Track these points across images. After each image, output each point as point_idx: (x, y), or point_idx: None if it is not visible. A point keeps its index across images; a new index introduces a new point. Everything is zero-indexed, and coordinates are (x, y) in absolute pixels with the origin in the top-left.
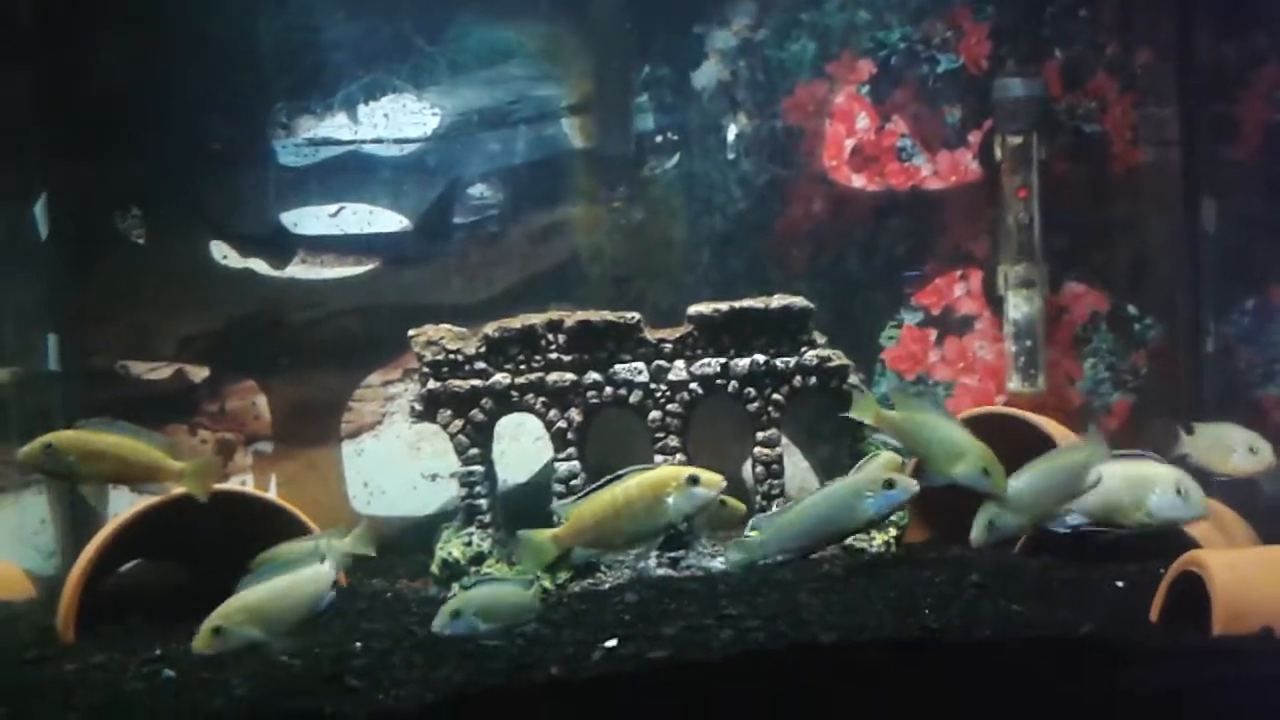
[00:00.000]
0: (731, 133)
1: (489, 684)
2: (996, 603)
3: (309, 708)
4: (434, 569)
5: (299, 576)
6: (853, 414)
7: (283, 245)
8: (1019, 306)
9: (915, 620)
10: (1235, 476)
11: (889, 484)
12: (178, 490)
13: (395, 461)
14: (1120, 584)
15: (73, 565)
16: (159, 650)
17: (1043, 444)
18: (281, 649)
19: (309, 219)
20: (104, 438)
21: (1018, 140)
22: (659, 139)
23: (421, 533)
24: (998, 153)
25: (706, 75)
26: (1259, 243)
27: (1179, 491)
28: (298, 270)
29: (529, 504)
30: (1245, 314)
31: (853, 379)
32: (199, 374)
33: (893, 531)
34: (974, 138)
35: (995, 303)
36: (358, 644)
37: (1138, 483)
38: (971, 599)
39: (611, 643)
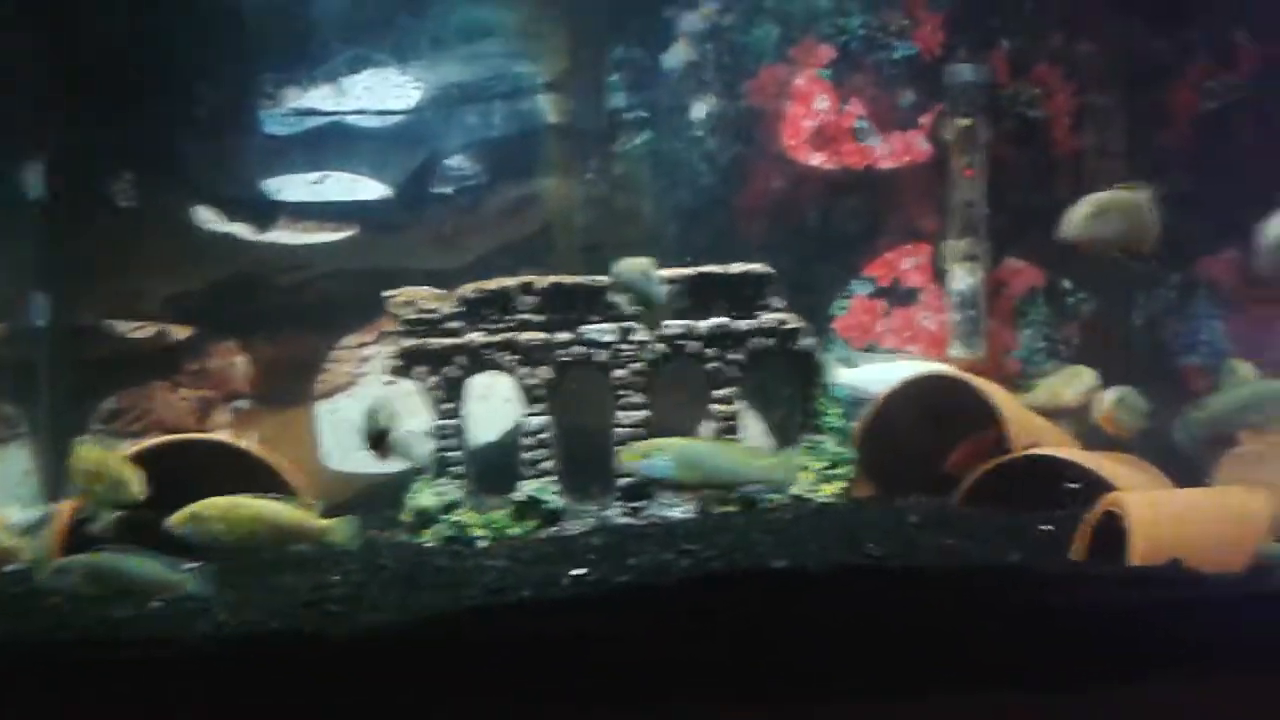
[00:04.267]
0: (698, 112)
1: (463, 606)
2: (933, 538)
3: (291, 628)
4: (405, 517)
5: None
6: None
7: (266, 210)
8: (962, 279)
9: (858, 550)
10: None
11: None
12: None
13: None
14: (1049, 527)
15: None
16: None
17: (979, 403)
18: None
19: (292, 186)
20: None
21: (966, 123)
22: (630, 115)
23: (392, 489)
24: (947, 135)
25: (676, 56)
26: (1185, 223)
27: None
28: (280, 235)
29: (497, 460)
30: (1170, 289)
31: (806, 341)
32: (181, 333)
33: (840, 484)
34: (925, 120)
35: (941, 276)
36: (335, 577)
37: None
38: (910, 535)
39: (579, 571)
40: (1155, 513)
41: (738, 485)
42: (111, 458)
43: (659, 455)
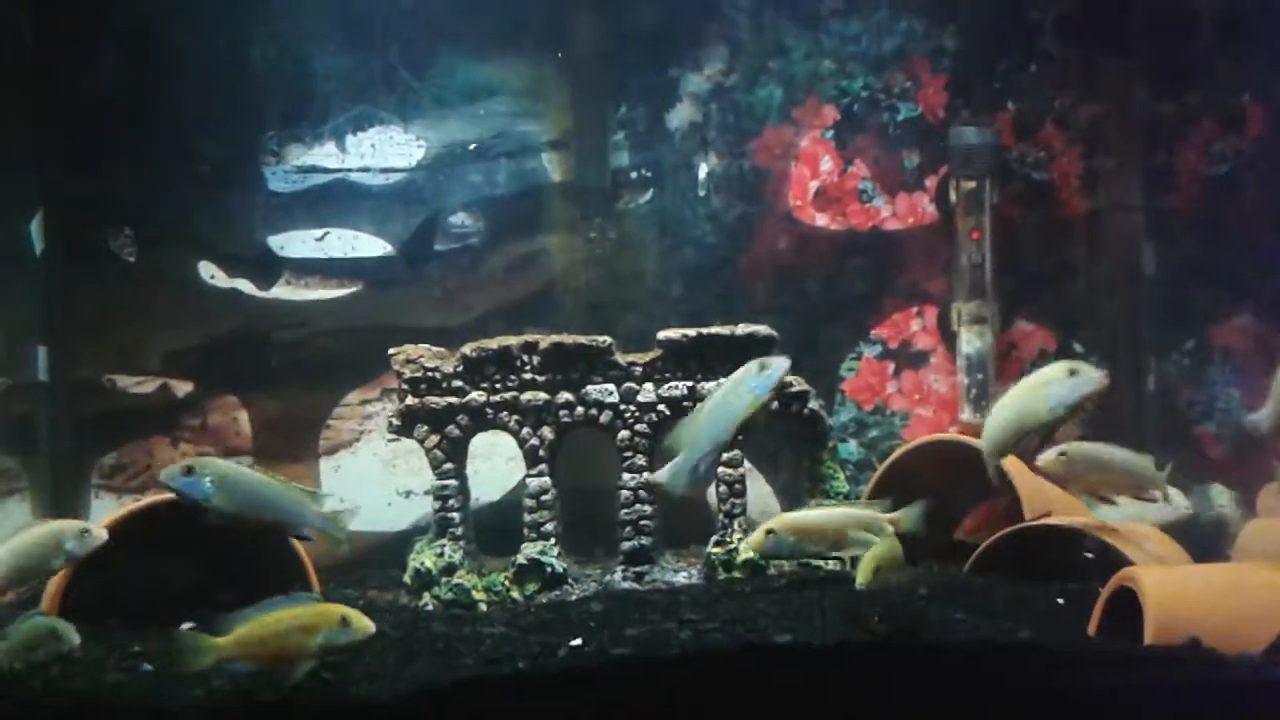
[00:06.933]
0: (703, 171)
1: (457, 678)
2: (941, 611)
3: (282, 697)
4: (406, 578)
5: None
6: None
7: (269, 266)
8: (971, 341)
9: (862, 624)
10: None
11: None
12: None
13: (371, 478)
14: (1061, 600)
15: None
16: (138, 647)
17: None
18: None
19: (295, 242)
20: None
21: (971, 185)
22: (634, 175)
23: (395, 548)
24: (952, 196)
25: (680, 116)
26: (1197, 287)
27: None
28: (282, 291)
29: (499, 520)
30: (1185, 354)
31: (813, 405)
32: (183, 389)
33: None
34: (930, 182)
35: (949, 338)
36: None
37: None
38: (918, 609)
39: (576, 642)
40: (1172, 589)
41: (286, 522)
42: (328, 608)
43: (201, 473)
